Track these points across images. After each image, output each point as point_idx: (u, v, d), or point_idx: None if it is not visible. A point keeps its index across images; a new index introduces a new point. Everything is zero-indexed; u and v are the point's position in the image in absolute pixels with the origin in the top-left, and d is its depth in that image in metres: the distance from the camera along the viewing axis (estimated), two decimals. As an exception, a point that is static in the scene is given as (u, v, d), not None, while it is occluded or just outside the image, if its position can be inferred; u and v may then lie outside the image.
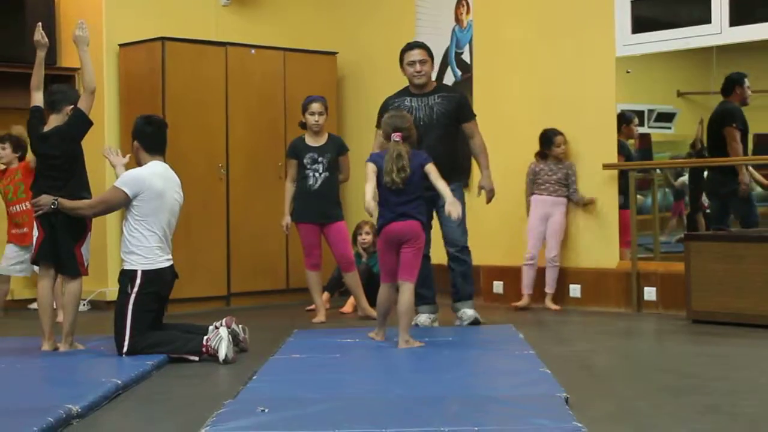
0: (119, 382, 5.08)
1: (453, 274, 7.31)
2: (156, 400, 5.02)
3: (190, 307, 8.56)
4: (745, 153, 8.18)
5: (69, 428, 4.28)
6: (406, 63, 7.30)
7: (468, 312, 7.25)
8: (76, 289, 6.31)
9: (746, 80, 8.23)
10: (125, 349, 5.98)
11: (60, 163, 6.26)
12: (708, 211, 8.70)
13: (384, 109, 7.23)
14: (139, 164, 6.35)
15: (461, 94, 7.39)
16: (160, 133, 6.39)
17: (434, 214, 7.31)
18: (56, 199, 6.14)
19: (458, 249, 7.27)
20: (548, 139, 8.37)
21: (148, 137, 6.34)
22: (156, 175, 6.21)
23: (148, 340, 6.00)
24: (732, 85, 8.24)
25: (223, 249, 9.09)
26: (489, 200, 7.37)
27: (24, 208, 8.30)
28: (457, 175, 7.31)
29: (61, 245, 6.24)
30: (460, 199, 7.28)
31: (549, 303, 8.36)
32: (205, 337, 5.93)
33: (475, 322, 7.21)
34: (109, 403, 4.82)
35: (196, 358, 5.94)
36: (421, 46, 7.43)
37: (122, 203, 6.19)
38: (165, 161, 6.37)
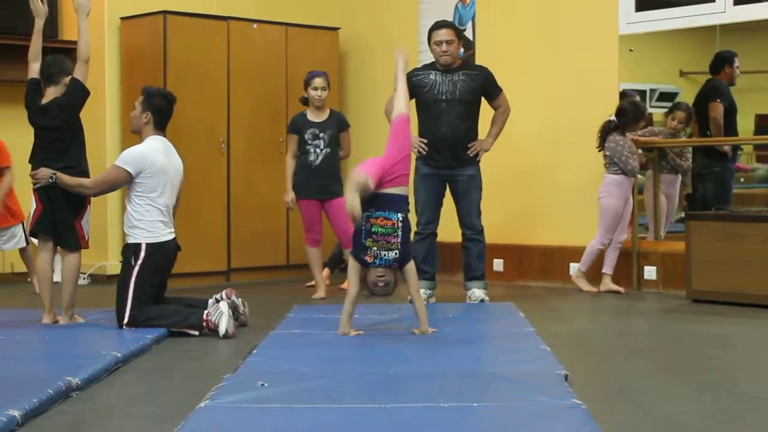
0: (119, 355, 5.09)
1: (467, 253, 7.36)
2: (156, 373, 5.03)
3: (190, 281, 8.56)
4: (733, 131, 8.19)
5: (68, 400, 4.28)
6: (433, 42, 7.30)
7: (477, 293, 7.28)
8: (75, 262, 6.31)
9: (736, 60, 8.22)
10: (126, 320, 5.99)
11: (59, 134, 6.24)
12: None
13: (408, 79, 7.20)
14: (138, 132, 6.34)
15: (486, 72, 7.37)
16: (171, 110, 6.42)
17: (447, 192, 7.35)
18: (55, 173, 6.12)
19: (475, 232, 7.32)
20: (636, 115, 7.94)
21: (164, 113, 6.35)
22: (157, 152, 6.22)
23: (148, 313, 6.01)
24: (722, 63, 8.25)
25: (224, 224, 9.09)
26: (474, 149, 7.29)
27: None
28: (475, 156, 7.30)
29: (60, 219, 6.24)
30: (478, 184, 7.31)
31: (611, 284, 8.05)
32: (206, 311, 5.94)
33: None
34: (109, 376, 4.82)
35: (197, 333, 5.94)
36: (449, 25, 7.42)
37: (125, 182, 6.18)
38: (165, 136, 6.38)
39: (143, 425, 3.99)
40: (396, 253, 5.49)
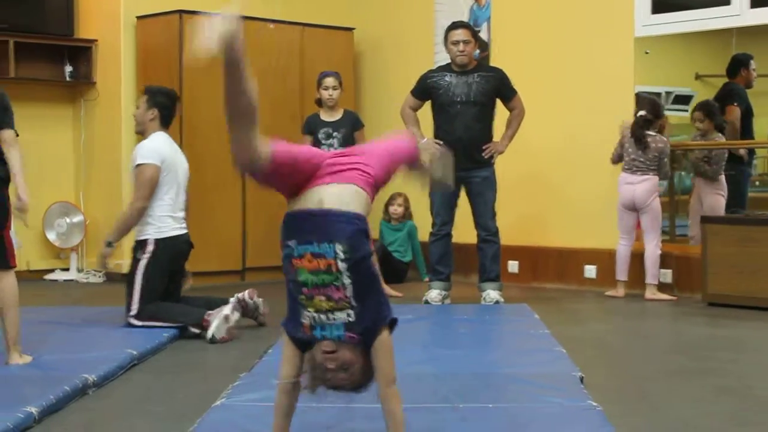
0: (135, 353, 5.11)
1: (482, 254, 7.35)
2: (171, 371, 5.04)
3: (205, 280, 8.55)
4: (749, 134, 8.17)
5: (85, 398, 4.31)
6: (450, 42, 7.32)
7: (492, 294, 7.27)
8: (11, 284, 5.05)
9: (752, 62, 8.21)
10: (133, 312, 5.98)
11: None
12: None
13: (423, 80, 7.46)
14: (142, 132, 6.35)
15: (501, 73, 7.39)
16: (175, 108, 6.45)
17: (461, 193, 7.36)
18: (111, 242, 6.13)
19: (490, 234, 7.32)
20: (656, 114, 7.85)
21: (169, 110, 6.36)
22: (166, 145, 6.27)
23: (155, 308, 6.00)
24: (738, 66, 8.23)
25: (239, 223, 9.09)
26: (489, 150, 7.30)
27: None
28: (490, 157, 7.32)
29: None
30: (493, 185, 7.32)
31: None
32: (208, 312, 5.88)
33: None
34: (125, 373, 4.85)
35: (197, 331, 5.89)
36: (465, 26, 7.47)
37: (158, 175, 6.14)
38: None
39: (159, 423, 4.00)
40: (348, 316, 3.08)
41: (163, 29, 8.88)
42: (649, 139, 7.73)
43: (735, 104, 8.15)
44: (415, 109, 7.48)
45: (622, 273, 7.88)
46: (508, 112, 7.48)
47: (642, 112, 7.78)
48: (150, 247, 6.08)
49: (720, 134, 8.27)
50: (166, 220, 6.15)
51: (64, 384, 4.21)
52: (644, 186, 7.74)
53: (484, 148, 7.28)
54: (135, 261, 6.11)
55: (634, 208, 7.80)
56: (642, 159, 7.74)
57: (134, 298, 6.02)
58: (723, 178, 8.26)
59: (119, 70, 8.99)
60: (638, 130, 7.75)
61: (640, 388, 4.57)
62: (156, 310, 6.01)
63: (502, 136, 7.39)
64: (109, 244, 6.13)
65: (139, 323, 5.97)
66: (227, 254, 9.02)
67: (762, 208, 8.28)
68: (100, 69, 9.20)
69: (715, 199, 8.15)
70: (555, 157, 8.65)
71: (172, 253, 6.17)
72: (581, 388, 4.24)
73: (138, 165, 6.16)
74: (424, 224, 7.85)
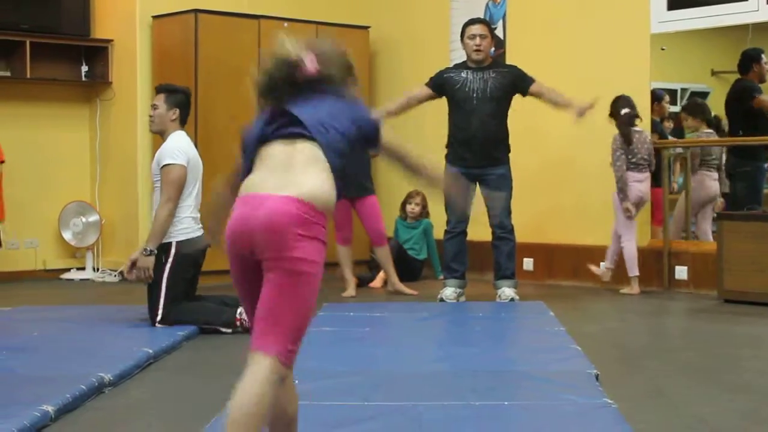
0: (150, 351, 5.11)
1: (497, 252, 7.35)
2: (187, 370, 5.05)
3: (220, 279, 8.55)
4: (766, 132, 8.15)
5: (101, 396, 4.32)
6: (466, 37, 7.34)
7: (507, 291, 7.26)
8: None
9: (763, 56, 8.17)
10: (159, 318, 5.99)
11: None
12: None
13: (440, 75, 7.45)
14: (161, 132, 6.31)
15: (516, 69, 7.40)
16: (190, 105, 6.45)
17: (476, 189, 7.35)
18: (148, 250, 5.99)
19: (505, 231, 7.31)
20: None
21: (187, 108, 6.36)
22: (189, 145, 6.26)
23: (182, 310, 6.01)
24: (750, 61, 8.19)
25: (254, 222, 9.09)
26: (582, 113, 7.18)
27: None
28: (506, 155, 7.32)
29: None
30: (508, 183, 7.30)
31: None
32: (239, 310, 5.93)
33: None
34: (141, 372, 4.85)
35: (229, 331, 5.94)
36: (482, 21, 7.53)
37: (185, 176, 6.13)
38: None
39: (174, 421, 4.01)
40: None
41: (179, 29, 8.89)
42: (637, 135, 7.84)
43: (755, 95, 8.09)
44: (420, 100, 7.44)
45: (633, 269, 7.87)
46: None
47: (626, 110, 7.81)
48: (173, 251, 6.07)
49: (711, 130, 8.29)
50: (188, 222, 6.13)
51: (80, 383, 4.22)
52: (648, 183, 7.90)
53: (576, 114, 7.13)
54: (159, 264, 6.06)
55: (638, 205, 7.88)
56: (645, 156, 7.85)
57: (159, 303, 6.01)
58: (708, 179, 8.38)
59: (135, 70, 9.01)
60: (626, 128, 7.80)
61: (656, 386, 4.56)
62: (183, 313, 6.01)
63: (567, 105, 7.26)
64: (150, 253, 6.02)
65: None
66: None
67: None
68: (116, 69, 9.23)
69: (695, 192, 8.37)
70: (570, 155, 8.63)
71: (194, 255, 6.16)
72: (597, 386, 4.23)
73: (165, 165, 6.10)
74: (440, 222, 7.84)
